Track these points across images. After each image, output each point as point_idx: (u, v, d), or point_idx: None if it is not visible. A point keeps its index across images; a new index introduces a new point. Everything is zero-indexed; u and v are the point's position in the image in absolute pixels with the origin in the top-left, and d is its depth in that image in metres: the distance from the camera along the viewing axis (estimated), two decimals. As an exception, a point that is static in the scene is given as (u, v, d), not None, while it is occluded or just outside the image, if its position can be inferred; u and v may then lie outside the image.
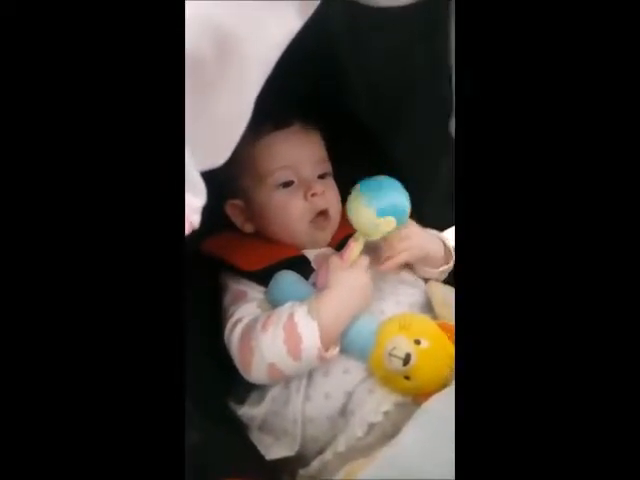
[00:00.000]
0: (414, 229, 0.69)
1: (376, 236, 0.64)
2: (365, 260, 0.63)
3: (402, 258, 0.66)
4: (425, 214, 0.78)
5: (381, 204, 0.62)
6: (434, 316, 0.63)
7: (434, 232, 0.75)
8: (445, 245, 0.73)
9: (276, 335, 0.57)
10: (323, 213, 0.68)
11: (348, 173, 0.69)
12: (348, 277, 0.60)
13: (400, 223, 0.64)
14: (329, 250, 0.70)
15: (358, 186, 0.64)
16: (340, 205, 0.69)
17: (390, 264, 0.66)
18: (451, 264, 0.73)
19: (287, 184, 0.68)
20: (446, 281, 0.73)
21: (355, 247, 0.63)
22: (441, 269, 0.72)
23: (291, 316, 0.58)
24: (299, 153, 0.68)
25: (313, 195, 0.67)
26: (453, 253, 0.74)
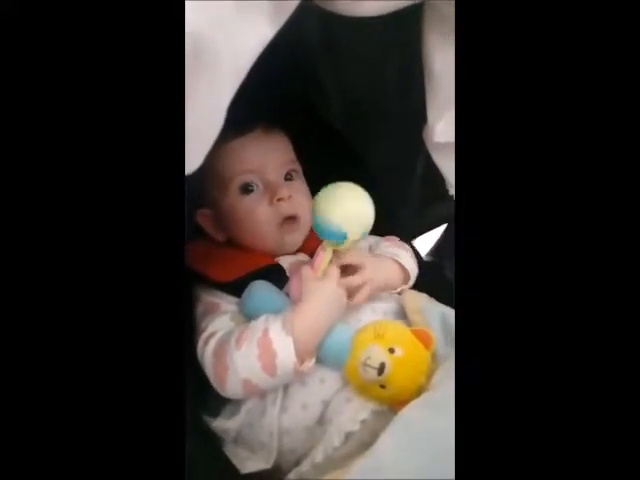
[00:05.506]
0: (366, 260, 0.66)
1: (342, 247, 0.63)
2: (336, 269, 0.61)
3: (366, 292, 0.63)
4: (397, 219, 0.78)
5: (344, 216, 0.60)
6: (408, 323, 0.63)
7: (384, 251, 0.73)
8: (399, 264, 0.71)
9: (250, 351, 0.56)
10: (292, 217, 0.67)
11: (321, 173, 0.67)
12: (321, 288, 0.59)
13: (364, 234, 0.63)
14: (303, 257, 0.69)
15: (320, 196, 0.62)
16: (311, 207, 0.66)
17: (359, 299, 0.63)
18: (410, 283, 0.72)
19: (251, 190, 0.67)
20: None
21: (324, 256, 0.62)
22: (399, 289, 0.70)
23: (266, 332, 0.57)
24: (262, 157, 0.67)
25: (279, 200, 0.66)
26: (413, 267, 0.72)
